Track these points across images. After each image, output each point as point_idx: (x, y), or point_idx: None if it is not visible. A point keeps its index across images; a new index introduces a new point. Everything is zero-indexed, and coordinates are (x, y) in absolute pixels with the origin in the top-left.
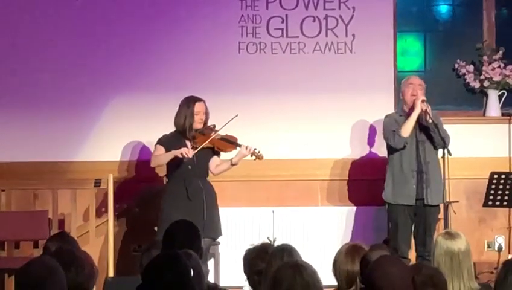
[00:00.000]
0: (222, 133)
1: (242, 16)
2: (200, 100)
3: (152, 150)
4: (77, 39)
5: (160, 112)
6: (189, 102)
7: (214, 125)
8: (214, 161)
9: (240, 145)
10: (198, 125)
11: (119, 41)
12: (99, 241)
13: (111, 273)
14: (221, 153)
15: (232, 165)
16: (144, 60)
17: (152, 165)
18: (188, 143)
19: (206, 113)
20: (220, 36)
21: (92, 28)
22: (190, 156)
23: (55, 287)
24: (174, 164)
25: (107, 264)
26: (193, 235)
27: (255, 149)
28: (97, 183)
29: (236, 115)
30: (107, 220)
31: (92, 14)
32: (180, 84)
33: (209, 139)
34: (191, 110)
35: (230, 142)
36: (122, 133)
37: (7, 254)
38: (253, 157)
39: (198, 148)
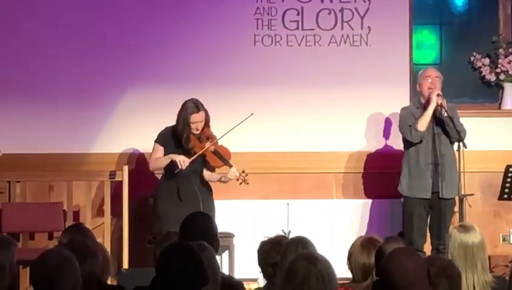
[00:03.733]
0: (217, 145)
1: (257, 8)
2: (197, 111)
3: None
4: (94, 33)
5: (175, 104)
6: (187, 111)
7: (210, 135)
8: (205, 169)
9: (230, 165)
10: (195, 132)
11: (134, 34)
12: (114, 233)
13: (125, 265)
14: None
15: (221, 182)
16: (159, 52)
17: (151, 169)
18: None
19: (205, 118)
20: (235, 28)
21: (108, 22)
22: (184, 167)
23: (69, 277)
24: (169, 165)
25: (122, 256)
26: (209, 227)
27: (242, 173)
28: (112, 175)
29: (252, 114)
30: (122, 212)
31: (109, 8)
32: (195, 76)
33: (202, 150)
34: (187, 121)
35: (221, 159)
36: (137, 125)
37: (22, 245)
38: (239, 181)
39: (192, 158)
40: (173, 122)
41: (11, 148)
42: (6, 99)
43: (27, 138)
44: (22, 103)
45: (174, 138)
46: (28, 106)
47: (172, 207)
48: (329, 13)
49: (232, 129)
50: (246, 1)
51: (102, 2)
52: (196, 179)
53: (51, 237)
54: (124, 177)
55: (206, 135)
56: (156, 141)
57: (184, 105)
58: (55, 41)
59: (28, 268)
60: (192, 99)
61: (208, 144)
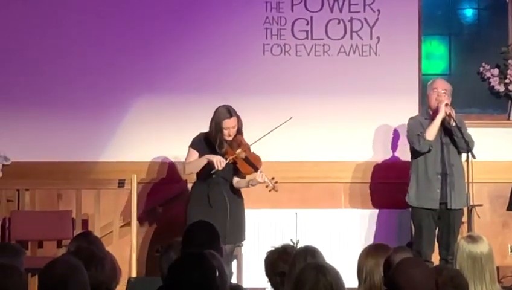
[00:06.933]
0: (249, 152)
1: (267, 17)
2: (229, 117)
3: (175, 150)
4: (102, 40)
5: (185, 113)
6: (219, 117)
7: (241, 142)
8: (235, 176)
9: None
10: (227, 138)
11: (144, 43)
12: (123, 241)
13: (134, 274)
14: None
15: (249, 186)
16: (169, 61)
17: (186, 172)
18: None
19: (238, 124)
20: (244, 38)
21: (117, 31)
22: (220, 168)
23: (77, 285)
24: (201, 170)
25: (130, 265)
26: (212, 236)
27: (272, 179)
28: (121, 183)
29: (291, 117)
30: (131, 221)
31: (118, 15)
32: (204, 85)
33: (233, 156)
34: (220, 126)
35: (251, 165)
36: (146, 133)
37: (31, 253)
38: (269, 188)
39: (227, 161)
40: (182, 132)
41: (20, 156)
42: (16, 108)
43: (36, 146)
44: (31, 112)
45: (207, 144)
46: (37, 114)
47: (201, 213)
48: (339, 23)
49: (268, 133)
50: (256, 11)
51: (113, 12)
52: (226, 186)
53: (59, 245)
54: (133, 185)
55: (237, 141)
56: (190, 146)
57: (216, 111)
58: (65, 51)
59: (36, 276)
60: (224, 105)
61: (238, 151)
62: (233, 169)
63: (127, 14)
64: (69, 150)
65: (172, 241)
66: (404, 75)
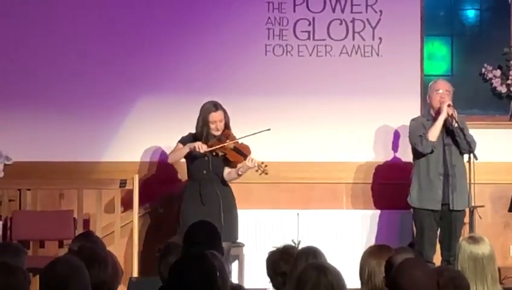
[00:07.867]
0: (237, 142)
1: (269, 18)
2: (215, 110)
3: None
4: (104, 41)
5: (186, 114)
6: (205, 112)
7: (229, 134)
8: (226, 168)
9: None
10: (215, 132)
11: (146, 43)
12: (124, 241)
13: (135, 274)
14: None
15: (239, 174)
16: (170, 61)
17: (169, 161)
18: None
19: (225, 118)
20: (246, 38)
21: (118, 31)
22: (202, 151)
23: (79, 285)
24: (192, 168)
25: (132, 265)
26: (213, 236)
27: (262, 163)
28: (123, 183)
29: (269, 129)
30: (132, 221)
31: (119, 16)
32: (206, 86)
33: (221, 145)
34: (206, 120)
35: (240, 153)
36: (148, 134)
37: (32, 253)
38: (259, 171)
39: (212, 148)
40: (183, 132)
41: (22, 156)
42: (17, 108)
43: (38, 146)
44: (33, 111)
45: (195, 140)
46: (39, 114)
47: (194, 213)
48: (341, 24)
49: (244, 137)
50: (258, 11)
51: (114, 13)
52: (218, 183)
53: (61, 245)
54: (135, 185)
55: (226, 135)
56: (178, 141)
57: (202, 106)
58: (67, 51)
59: (37, 276)
60: (210, 100)
61: (228, 141)
62: (224, 161)
63: (128, 14)
64: (71, 150)
65: (169, 243)
66: (406, 76)
